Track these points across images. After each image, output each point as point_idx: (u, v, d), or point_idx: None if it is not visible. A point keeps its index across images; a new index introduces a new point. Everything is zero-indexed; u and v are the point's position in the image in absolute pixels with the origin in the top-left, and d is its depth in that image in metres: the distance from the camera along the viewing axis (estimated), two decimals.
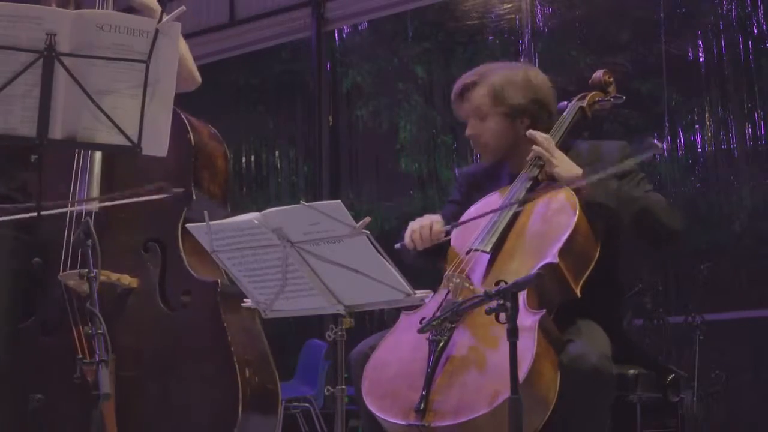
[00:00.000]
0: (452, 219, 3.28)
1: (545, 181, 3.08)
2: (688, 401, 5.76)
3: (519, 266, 2.89)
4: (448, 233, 3.03)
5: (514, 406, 2.35)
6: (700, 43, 7.39)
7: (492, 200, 3.14)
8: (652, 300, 6.59)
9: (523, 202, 3.02)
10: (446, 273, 2.97)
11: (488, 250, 2.94)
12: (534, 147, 3.08)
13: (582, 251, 2.93)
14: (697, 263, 6.57)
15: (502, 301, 2.41)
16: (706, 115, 7.41)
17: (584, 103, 3.29)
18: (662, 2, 7.50)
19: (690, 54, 7.42)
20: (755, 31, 7.22)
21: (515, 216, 3.01)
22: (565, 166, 3.04)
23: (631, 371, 3.02)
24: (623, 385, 3.00)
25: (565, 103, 3.31)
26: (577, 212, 2.93)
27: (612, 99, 3.34)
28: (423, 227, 3.11)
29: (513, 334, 2.38)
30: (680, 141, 7.49)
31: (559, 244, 2.87)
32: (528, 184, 3.07)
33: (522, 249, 2.95)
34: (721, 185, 7.42)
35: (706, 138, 7.39)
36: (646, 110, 7.72)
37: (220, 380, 3.24)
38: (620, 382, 2.99)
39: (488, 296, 2.45)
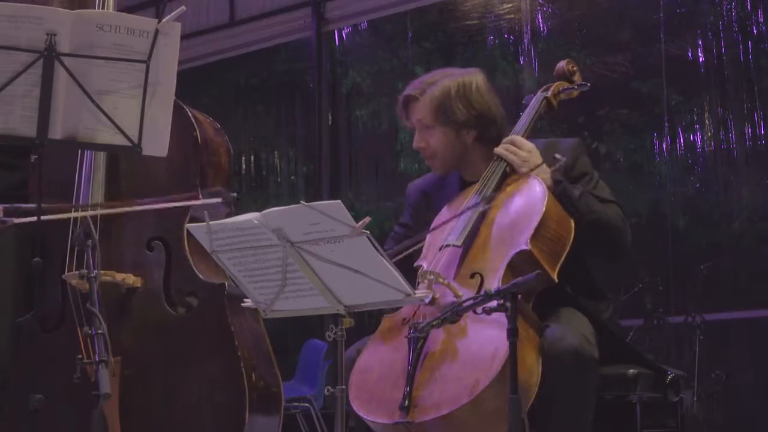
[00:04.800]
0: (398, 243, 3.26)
1: (513, 172, 3.10)
2: (688, 401, 5.76)
3: (491, 256, 2.91)
4: None
5: (515, 406, 2.35)
6: (700, 43, 7.39)
7: (464, 194, 3.15)
8: (652, 300, 6.60)
9: (491, 198, 3.03)
10: (420, 270, 2.98)
11: (459, 244, 2.96)
12: (498, 150, 3.10)
13: (555, 235, 2.94)
14: (697, 263, 6.58)
15: (501, 301, 2.41)
16: (706, 115, 7.41)
17: (549, 93, 3.31)
18: (662, 2, 7.51)
19: (690, 54, 7.43)
20: (755, 31, 7.22)
21: (486, 209, 3.03)
22: (532, 163, 3.05)
23: (631, 371, 3.02)
24: (623, 385, 3.01)
25: (531, 95, 3.34)
26: (546, 197, 2.95)
27: (577, 87, 3.37)
28: None
29: (513, 334, 2.38)
30: (680, 141, 7.49)
31: (530, 231, 2.89)
32: (497, 178, 3.09)
33: (494, 240, 2.97)
34: (721, 185, 7.43)
35: (705, 138, 7.39)
36: (646, 110, 7.73)
37: (226, 384, 3.23)
38: (620, 381, 3.00)
39: (488, 296, 2.45)
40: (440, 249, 2.99)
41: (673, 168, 7.54)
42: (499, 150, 3.12)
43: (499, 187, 3.06)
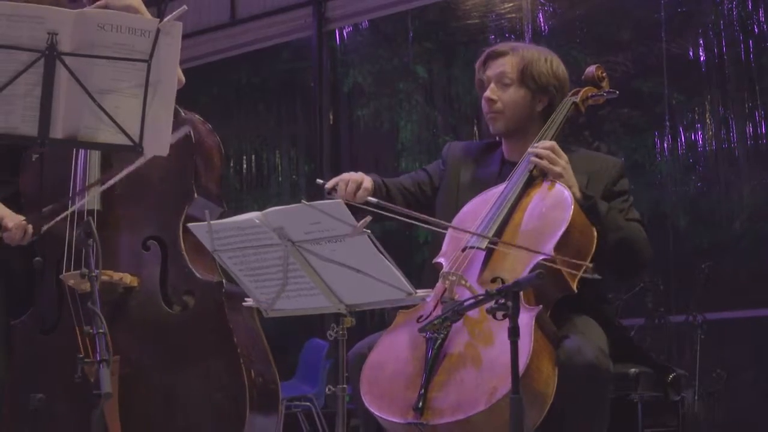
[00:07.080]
0: (411, 187, 3.31)
1: (540, 176, 3.09)
2: (689, 400, 5.76)
3: (515, 263, 2.89)
4: (369, 204, 2.87)
5: (515, 405, 2.35)
6: (701, 42, 7.39)
7: (489, 196, 3.14)
8: (653, 299, 6.59)
9: (518, 199, 3.03)
10: (442, 271, 2.97)
11: (483, 247, 2.94)
12: (534, 159, 3.08)
13: (578, 246, 2.93)
14: (698, 262, 6.57)
15: (503, 300, 2.40)
16: (707, 114, 7.41)
17: (577, 98, 3.28)
18: (663, 2, 7.51)
19: (691, 53, 7.43)
20: (756, 30, 7.23)
21: (511, 212, 3.01)
22: (567, 179, 3.04)
23: (632, 370, 3.02)
24: (624, 384, 3.00)
25: None
26: (573, 207, 2.94)
27: (605, 93, 3.34)
28: (351, 182, 3.10)
29: (514, 333, 2.38)
30: (681, 140, 7.49)
31: (555, 240, 2.87)
32: (524, 180, 3.07)
33: (518, 245, 2.94)
34: (722, 184, 7.43)
35: (706, 137, 7.39)
36: (647, 110, 7.72)
37: (227, 382, 3.24)
38: (621, 380, 2.99)
39: (490, 295, 2.45)
40: (463, 250, 2.97)
41: (674, 167, 7.54)
42: (535, 158, 3.06)
43: (523, 193, 3.05)
